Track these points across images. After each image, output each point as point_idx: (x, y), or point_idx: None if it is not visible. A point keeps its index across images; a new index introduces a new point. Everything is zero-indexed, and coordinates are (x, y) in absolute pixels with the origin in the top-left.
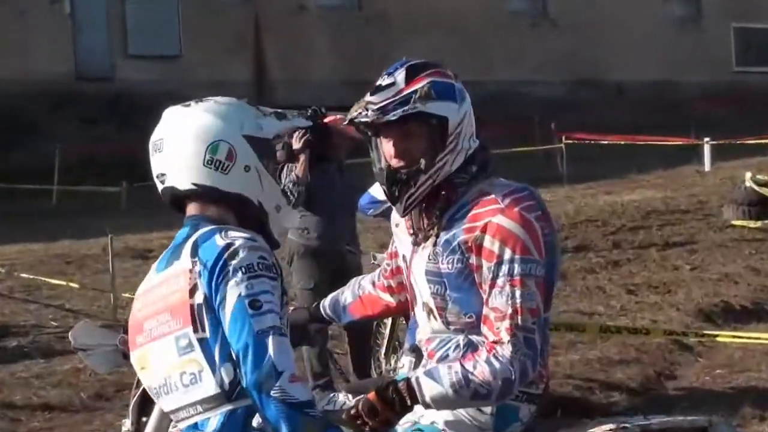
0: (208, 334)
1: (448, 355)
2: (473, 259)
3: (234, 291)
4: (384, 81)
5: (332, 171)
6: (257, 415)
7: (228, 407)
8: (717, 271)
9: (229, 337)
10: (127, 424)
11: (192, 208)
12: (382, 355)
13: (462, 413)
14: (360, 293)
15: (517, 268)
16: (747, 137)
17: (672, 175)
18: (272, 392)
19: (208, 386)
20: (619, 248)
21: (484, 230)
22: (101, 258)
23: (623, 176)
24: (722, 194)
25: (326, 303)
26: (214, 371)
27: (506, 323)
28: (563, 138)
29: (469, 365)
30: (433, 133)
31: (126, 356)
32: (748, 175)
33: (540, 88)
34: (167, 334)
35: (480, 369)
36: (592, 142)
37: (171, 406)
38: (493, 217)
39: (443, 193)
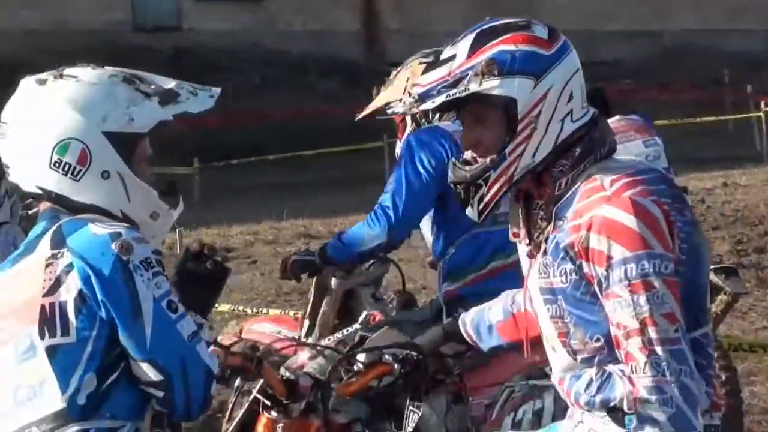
0: (72, 338)
1: (580, 394)
2: (586, 267)
3: (145, 293)
4: (445, 54)
5: None
6: None
7: (74, 429)
8: None
9: (151, 349)
10: None
11: (48, 205)
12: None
13: None
14: (514, 310)
15: (634, 269)
16: None
17: None
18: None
19: (51, 401)
20: None
21: (589, 227)
22: (168, 258)
23: None
24: None
25: (466, 319)
26: (66, 382)
27: (636, 341)
28: (762, 104)
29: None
30: (502, 118)
31: None
32: None
33: (732, 40)
34: (6, 342)
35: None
36: None
37: None
38: (598, 208)
39: (539, 188)
